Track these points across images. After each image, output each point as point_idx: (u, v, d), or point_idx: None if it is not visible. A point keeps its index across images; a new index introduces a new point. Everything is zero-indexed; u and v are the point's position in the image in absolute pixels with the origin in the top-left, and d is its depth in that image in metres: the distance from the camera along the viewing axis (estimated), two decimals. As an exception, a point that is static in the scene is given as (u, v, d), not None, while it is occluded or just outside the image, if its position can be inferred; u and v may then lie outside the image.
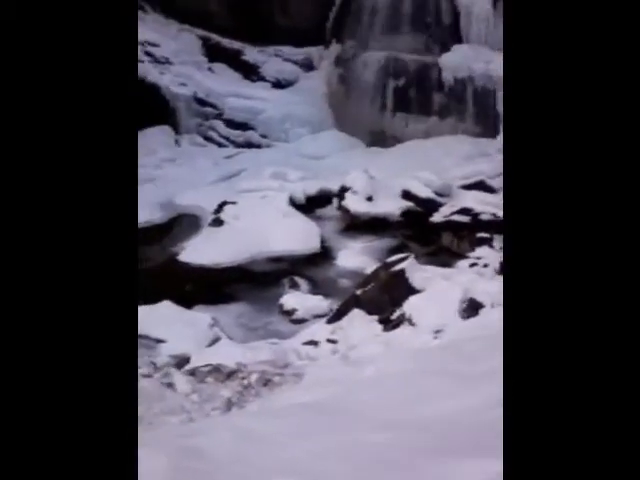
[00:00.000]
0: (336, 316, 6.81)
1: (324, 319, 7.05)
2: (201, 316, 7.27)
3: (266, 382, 4.55)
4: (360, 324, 6.35)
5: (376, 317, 6.37)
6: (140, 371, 5.64)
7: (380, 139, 12.20)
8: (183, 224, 9.70)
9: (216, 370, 5.21)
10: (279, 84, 13.45)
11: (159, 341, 6.74)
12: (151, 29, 13.40)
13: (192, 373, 5.18)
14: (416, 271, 6.74)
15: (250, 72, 13.56)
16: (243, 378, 4.70)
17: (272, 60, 13.86)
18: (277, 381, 4.62)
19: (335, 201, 9.90)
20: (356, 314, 6.51)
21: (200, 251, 8.62)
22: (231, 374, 4.91)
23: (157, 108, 12.02)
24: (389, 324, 6.16)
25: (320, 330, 6.61)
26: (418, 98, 12.04)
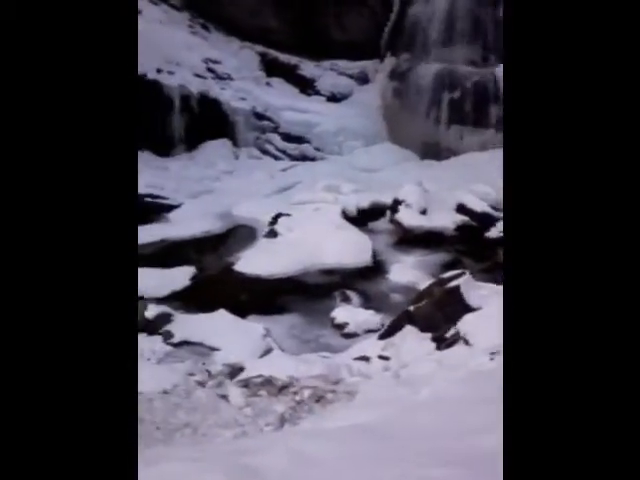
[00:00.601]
0: (388, 332, 6.76)
1: (376, 334, 7.02)
2: (255, 326, 7.42)
3: (319, 399, 4.59)
4: (413, 341, 6.27)
5: (429, 335, 6.27)
6: (195, 378, 5.85)
7: (434, 152, 12.05)
8: (239, 235, 9.99)
9: (269, 382, 5.31)
10: (334, 98, 13.62)
11: (213, 349, 6.93)
12: (214, 47, 13.99)
13: (245, 385, 5.30)
14: (472, 288, 6.58)
15: (306, 86, 13.83)
16: (295, 393, 4.76)
17: (327, 74, 14.07)
18: (330, 398, 4.64)
19: (388, 214, 9.86)
20: (409, 331, 6.44)
21: (255, 262, 8.83)
22: (283, 388, 4.98)
23: (218, 122, 12.50)
24: (443, 342, 6.04)
25: (372, 346, 6.58)
26: (474, 110, 11.81)
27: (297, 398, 4.88)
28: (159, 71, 12.38)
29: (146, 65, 12.20)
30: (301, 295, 8.33)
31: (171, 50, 12.99)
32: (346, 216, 9.83)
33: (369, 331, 7.33)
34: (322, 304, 8.08)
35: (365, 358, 6.37)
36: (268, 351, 6.95)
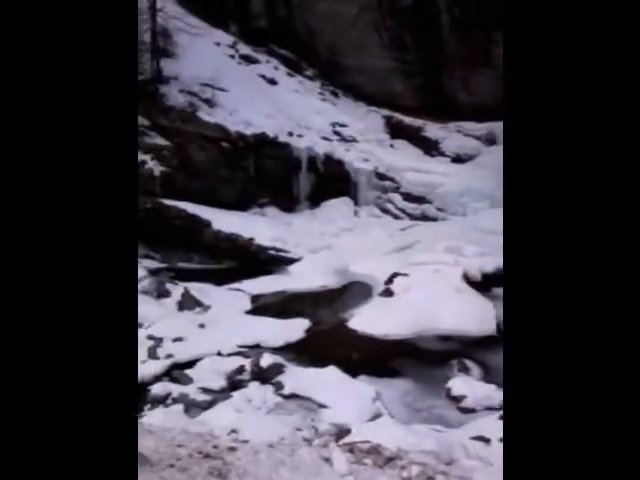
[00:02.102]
0: (512, 412, 6.03)
1: (497, 414, 6.32)
2: (365, 387, 7.17)
3: (428, 479, 4.17)
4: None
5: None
6: (302, 434, 5.74)
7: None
8: (355, 291, 9.97)
9: (375, 451, 4.99)
10: (459, 159, 13.42)
11: (322, 406, 6.81)
12: (341, 111, 14.84)
13: (351, 449, 5.04)
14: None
15: (430, 147, 13.87)
16: (403, 467, 4.39)
17: (453, 136, 13.99)
18: (441, 480, 4.20)
19: (515, 281, 9.11)
20: (537, 414, 5.68)
21: (369, 320, 8.67)
22: (390, 460, 4.63)
23: (340, 181, 13.00)
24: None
25: (492, 426, 5.91)
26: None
27: (404, 474, 4.49)
28: (290, 134, 13.38)
29: (279, 129, 13.31)
30: (415, 360, 7.91)
31: (302, 115, 14.04)
32: (468, 280, 9.31)
33: (489, 408, 6.64)
34: (437, 372, 7.57)
35: (484, 439, 5.73)
36: (377, 416, 6.63)
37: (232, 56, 15.14)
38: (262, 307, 9.55)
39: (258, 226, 11.98)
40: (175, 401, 6.59)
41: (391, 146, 14.04)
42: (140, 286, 10.11)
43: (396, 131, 14.32)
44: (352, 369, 7.52)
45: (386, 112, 14.72)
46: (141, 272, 10.69)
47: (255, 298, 9.84)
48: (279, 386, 6.97)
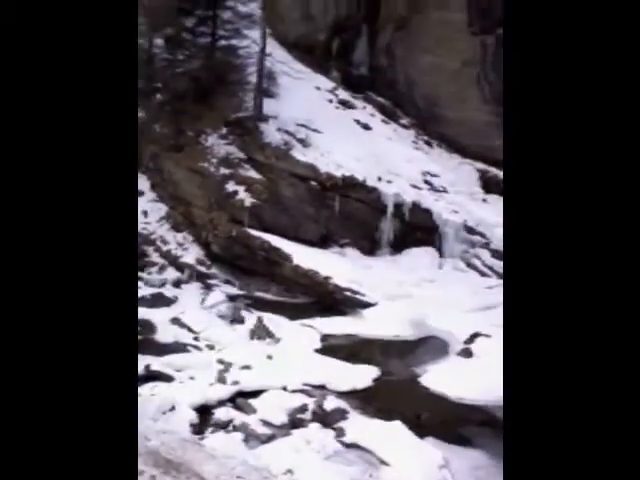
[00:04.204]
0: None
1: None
2: (432, 451, 6.62)
3: None
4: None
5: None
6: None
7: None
8: (430, 346, 9.46)
9: (441, 524, 4.50)
10: (557, 220, 12.62)
11: (383, 462, 6.37)
12: (434, 161, 14.69)
13: (414, 517, 4.59)
14: None
15: (526, 206, 13.22)
16: None
17: (552, 196, 13.26)
18: None
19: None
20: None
21: (443, 379, 8.12)
22: (458, 538, 4.13)
23: (426, 231, 12.68)
24: None
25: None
26: None
27: None
28: (379, 179, 13.40)
29: (368, 173, 13.40)
30: (491, 430, 7.20)
31: (393, 162, 14.06)
32: (558, 351, 8.47)
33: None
34: (516, 448, 6.81)
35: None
36: (443, 485, 6.05)
37: (330, 100, 15.71)
38: (332, 348, 9.33)
39: (337, 265, 11.93)
40: (236, 429, 6.50)
41: (484, 200, 13.56)
42: (216, 310, 10.37)
43: (490, 185, 13.85)
44: (419, 428, 7.01)
45: (481, 166, 14.34)
46: (220, 296, 10.99)
47: (325, 337, 9.66)
48: (340, 433, 6.64)
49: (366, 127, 15.26)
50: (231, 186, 13.01)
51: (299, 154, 13.50)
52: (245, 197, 12.95)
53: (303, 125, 14.24)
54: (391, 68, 16.29)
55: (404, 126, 15.90)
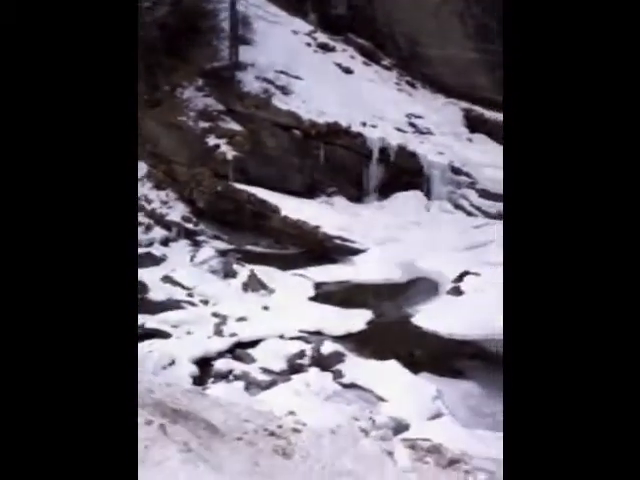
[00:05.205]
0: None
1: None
2: (426, 385, 6.92)
3: (497, 488, 3.90)
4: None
5: None
6: (359, 424, 5.61)
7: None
8: (421, 287, 9.67)
9: (437, 450, 4.77)
10: (542, 156, 12.62)
11: (381, 399, 6.66)
12: (418, 103, 14.41)
13: (412, 446, 4.86)
14: None
15: (511, 143, 13.15)
16: (468, 472, 4.14)
17: (537, 131, 13.19)
18: (510, 490, 3.92)
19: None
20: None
21: (434, 317, 8.37)
22: (454, 462, 4.39)
23: (412, 174, 12.64)
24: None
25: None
26: None
27: (470, 479, 4.24)
28: (364, 124, 13.18)
29: (352, 118, 13.14)
30: (481, 363, 7.52)
31: (377, 105, 13.78)
32: (544, 284, 8.73)
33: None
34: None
35: (555, 453, 5.34)
36: (438, 415, 6.38)
37: (309, 44, 15.14)
38: (325, 295, 9.50)
39: (325, 214, 11.94)
40: (237, 378, 6.70)
41: (469, 140, 13.45)
42: (208, 265, 10.42)
43: (475, 125, 13.70)
44: (413, 365, 7.29)
45: (465, 105, 14.12)
46: (210, 252, 11.01)
47: (319, 285, 9.81)
48: (338, 374, 6.89)
49: (347, 70, 14.81)
50: (212, 140, 12.71)
51: (280, 102, 13.14)
52: (227, 150, 12.69)
53: (282, 72, 13.77)
54: (369, 5, 15.63)
55: (386, 67, 15.46)
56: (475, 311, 8.30)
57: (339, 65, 14.86)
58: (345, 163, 12.91)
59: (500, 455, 5.14)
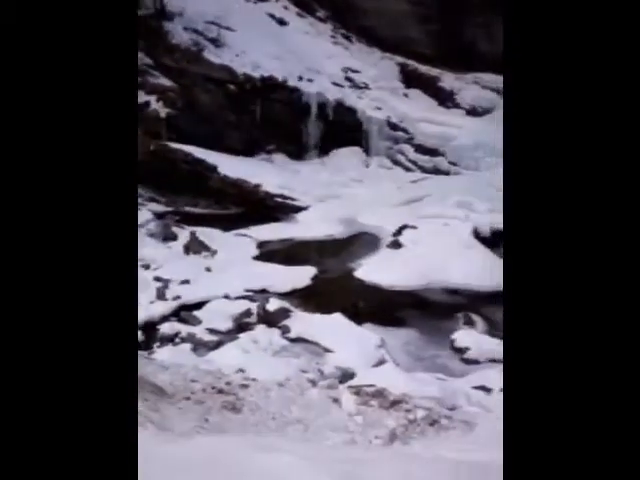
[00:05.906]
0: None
1: (500, 366, 6.39)
2: (369, 335, 7.25)
3: (433, 422, 4.24)
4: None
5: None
6: (307, 375, 5.83)
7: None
8: (362, 242, 9.91)
9: (380, 394, 5.08)
10: (475, 111, 12.98)
11: (327, 350, 6.91)
12: (354, 57, 14.25)
13: (357, 392, 5.13)
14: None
15: (446, 99, 13.40)
16: (408, 411, 4.46)
17: (470, 87, 13.48)
18: (445, 424, 4.27)
19: (525, 237, 9.02)
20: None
21: (376, 270, 8.67)
22: (396, 403, 4.71)
23: (351, 130, 12.65)
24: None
25: (494, 377, 5.99)
26: None
27: (410, 417, 4.57)
28: (300, 78, 12.90)
29: (288, 72, 12.82)
30: (421, 311, 7.96)
31: (313, 59, 13.49)
32: (477, 236, 9.21)
33: (493, 360, 6.73)
34: (442, 324, 7.62)
35: (486, 389, 5.83)
36: (381, 362, 6.73)
37: (241, -8, 14.40)
38: (269, 253, 9.53)
39: (265, 173, 11.78)
40: (183, 340, 6.69)
41: (405, 95, 13.56)
42: (145, 229, 10.06)
43: (410, 80, 13.78)
44: (357, 317, 7.58)
45: (401, 59, 14.13)
46: (147, 215, 10.60)
47: (262, 244, 9.81)
48: (285, 330, 7.04)
49: (281, 22, 14.29)
50: (142, 96, 11.99)
51: (212, 56, 12.53)
52: (159, 107, 12.05)
53: (213, 22, 13.06)
54: (303, -48, 14.96)
55: (320, 19, 15.05)
56: (414, 263, 8.66)
57: (272, 16, 14.29)
58: (283, 119, 12.67)
59: (436, 393, 5.53)
